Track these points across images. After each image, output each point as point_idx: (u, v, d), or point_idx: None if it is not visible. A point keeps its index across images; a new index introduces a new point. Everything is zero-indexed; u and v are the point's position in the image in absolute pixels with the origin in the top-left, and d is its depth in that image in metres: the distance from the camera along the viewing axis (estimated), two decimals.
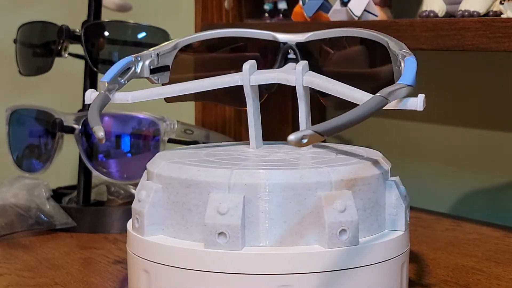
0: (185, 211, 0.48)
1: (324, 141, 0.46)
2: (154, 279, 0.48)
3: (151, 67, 0.57)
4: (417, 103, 0.47)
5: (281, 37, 0.58)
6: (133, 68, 0.56)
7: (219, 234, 0.46)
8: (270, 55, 0.59)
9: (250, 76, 0.54)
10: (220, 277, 0.46)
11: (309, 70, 0.53)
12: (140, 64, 0.56)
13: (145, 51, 0.57)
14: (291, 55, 0.58)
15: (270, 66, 0.58)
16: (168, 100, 0.57)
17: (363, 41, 0.55)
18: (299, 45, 0.57)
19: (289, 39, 0.58)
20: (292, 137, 0.40)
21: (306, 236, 0.46)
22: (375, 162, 0.50)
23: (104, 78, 0.53)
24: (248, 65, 0.53)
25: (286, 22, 0.83)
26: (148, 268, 0.48)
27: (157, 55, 0.57)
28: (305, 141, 0.40)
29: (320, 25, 0.71)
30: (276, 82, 0.53)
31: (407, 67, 0.48)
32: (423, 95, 0.47)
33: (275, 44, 0.58)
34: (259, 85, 0.55)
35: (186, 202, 0.48)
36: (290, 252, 0.46)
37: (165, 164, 0.50)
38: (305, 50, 0.57)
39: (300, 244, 0.46)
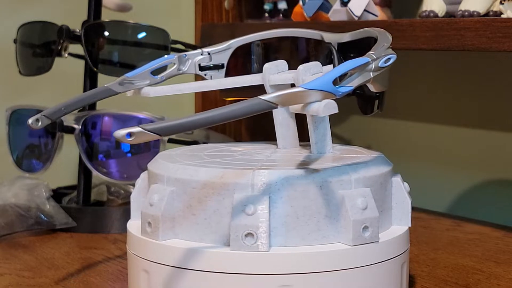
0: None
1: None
2: (154, 279, 0.48)
3: (201, 65, 0.60)
4: (318, 108, 0.45)
5: (327, 37, 0.58)
6: (176, 66, 0.59)
7: (148, 223, 0.48)
8: (319, 55, 0.59)
9: (269, 76, 0.54)
10: (217, 277, 0.46)
11: None
12: (188, 62, 0.59)
13: (194, 50, 0.60)
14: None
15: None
16: (223, 96, 0.61)
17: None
18: (339, 45, 0.57)
19: (333, 39, 0.58)
20: (116, 132, 0.40)
21: (223, 235, 0.47)
22: (333, 169, 0.47)
23: (128, 74, 0.56)
24: (268, 65, 0.54)
25: (287, 21, 0.83)
26: (148, 268, 0.48)
27: (208, 53, 0.60)
28: (130, 138, 0.40)
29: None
30: (292, 82, 0.53)
31: (329, 71, 0.46)
32: (328, 101, 0.45)
33: (323, 44, 0.58)
34: None
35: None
36: (289, 252, 0.46)
37: (155, 157, 0.53)
38: (343, 50, 0.57)
39: (218, 243, 0.47)
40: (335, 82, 0.45)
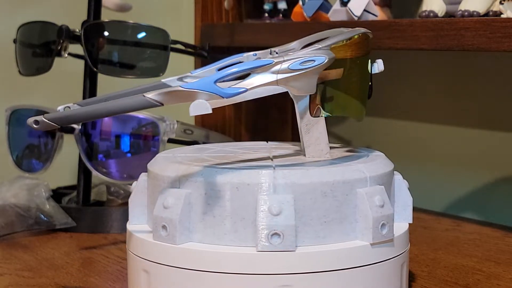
0: None
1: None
2: (154, 279, 0.48)
3: None
4: (189, 108, 0.45)
5: None
6: None
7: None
8: None
9: None
10: (216, 277, 0.46)
11: None
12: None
13: (262, 50, 0.59)
14: None
15: None
16: None
17: None
18: None
19: None
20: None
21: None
22: (256, 173, 0.46)
23: (193, 71, 0.57)
24: None
25: (286, 22, 0.83)
26: (148, 268, 0.48)
27: (276, 53, 0.59)
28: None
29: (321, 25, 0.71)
30: None
31: (217, 72, 0.46)
32: (197, 101, 0.44)
33: None
34: None
35: None
36: (289, 252, 0.46)
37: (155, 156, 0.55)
38: None
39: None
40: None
